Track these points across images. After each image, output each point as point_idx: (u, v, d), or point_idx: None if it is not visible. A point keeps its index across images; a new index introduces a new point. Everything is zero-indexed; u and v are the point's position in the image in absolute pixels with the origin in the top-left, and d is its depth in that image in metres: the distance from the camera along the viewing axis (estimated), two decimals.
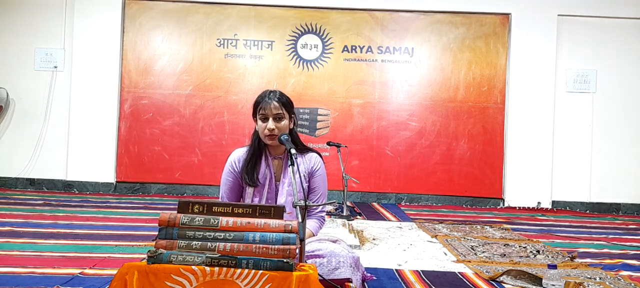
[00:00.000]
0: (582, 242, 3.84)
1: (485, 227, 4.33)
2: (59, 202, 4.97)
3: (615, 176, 6.06)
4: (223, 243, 1.46)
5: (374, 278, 2.45)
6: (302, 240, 1.55)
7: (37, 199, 5.10)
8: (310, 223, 2.13)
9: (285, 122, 2.07)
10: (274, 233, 1.48)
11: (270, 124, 2.05)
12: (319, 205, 2.07)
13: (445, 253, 3.18)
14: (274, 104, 2.05)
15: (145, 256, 1.47)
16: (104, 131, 6.00)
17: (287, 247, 1.45)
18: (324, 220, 2.23)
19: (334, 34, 6.11)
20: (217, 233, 1.48)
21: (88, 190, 5.95)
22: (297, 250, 1.49)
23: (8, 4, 6.11)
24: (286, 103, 2.09)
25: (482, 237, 3.76)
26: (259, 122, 2.09)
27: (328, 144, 5.13)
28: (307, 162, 2.16)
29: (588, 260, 3.11)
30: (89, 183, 5.98)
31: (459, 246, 3.39)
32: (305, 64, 6.11)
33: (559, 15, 6.05)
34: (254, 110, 2.12)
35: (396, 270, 2.69)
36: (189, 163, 6.07)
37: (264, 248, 1.45)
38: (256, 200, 2.11)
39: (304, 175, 2.12)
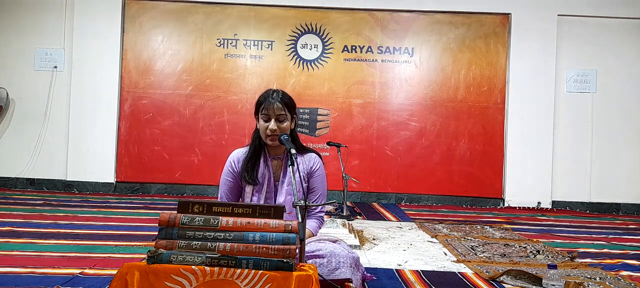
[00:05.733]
0: (582, 242, 3.84)
1: (485, 227, 4.33)
2: (59, 202, 4.97)
3: (615, 176, 6.06)
4: (223, 243, 1.46)
5: (374, 278, 2.45)
6: (302, 240, 1.55)
7: (37, 199, 5.10)
8: (310, 223, 2.13)
9: (287, 124, 2.08)
10: (274, 233, 1.48)
11: (273, 124, 2.05)
12: (319, 205, 2.07)
13: (445, 253, 3.18)
14: (277, 105, 2.04)
15: (145, 256, 1.47)
16: (104, 131, 6.00)
17: (287, 247, 1.45)
18: (324, 220, 2.23)
19: (334, 34, 6.11)
20: (217, 233, 1.48)
21: (88, 190, 5.95)
22: (297, 250, 1.49)
23: (8, 4, 6.11)
24: (289, 104, 2.09)
25: (482, 237, 3.76)
26: (261, 122, 2.09)
27: (328, 143, 5.13)
28: (307, 162, 2.17)
29: (588, 260, 3.11)
30: (89, 184, 5.98)
31: (459, 246, 3.39)
32: (305, 64, 6.11)
33: (559, 15, 6.05)
34: (256, 109, 2.11)
35: (396, 270, 2.69)
36: (189, 163, 6.07)
37: (264, 248, 1.45)
38: (255, 200, 2.11)
39: (303, 176, 2.12)
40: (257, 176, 2.12)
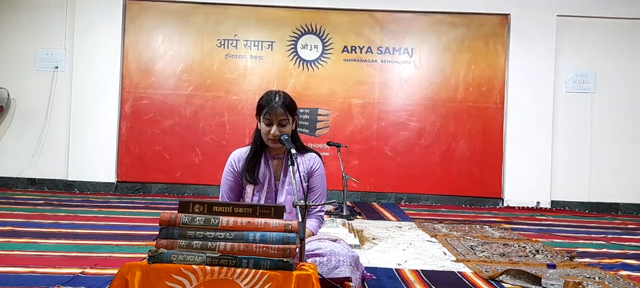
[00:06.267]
0: (581, 241, 3.85)
1: (485, 226, 4.34)
2: (60, 202, 4.98)
3: (614, 176, 6.06)
4: (223, 243, 1.47)
5: (374, 277, 2.46)
6: (302, 240, 1.56)
7: (38, 199, 5.11)
8: (310, 223, 2.14)
9: (288, 127, 2.08)
10: (274, 233, 1.48)
11: (275, 130, 2.05)
12: (319, 205, 2.08)
13: (445, 253, 3.19)
14: (280, 110, 2.04)
15: (146, 256, 1.48)
16: (104, 131, 6.01)
17: (287, 246, 1.46)
18: (323, 219, 2.24)
19: (334, 35, 6.12)
20: (217, 233, 1.48)
21: (89, 190, 5.96)
22: (297, 250, 1.51)
23: (9, 4, 6.12)
24: (290, 107, 2.08)
25: (481, 237, 3.77)
26: (263, 125, 2.09)
27: (328, 143, 5.15)
28: (306, 162, 2.18)
29: (587, 259, 3.12)
30: (90, 183, 5.99)
31: (458, 245, 3.40)
32: (305, 64, 6.12)
33: (558, 15, 6.06)
34: (258, 111, 2.11)
35: (396, 269, 2.70)
36: (190, 163, 6.08)
37: (264, 248, 1.46)
38: (256, 200, 2.12)
39: (303, 175, 2.13)
40: (258, 176, 2.13)
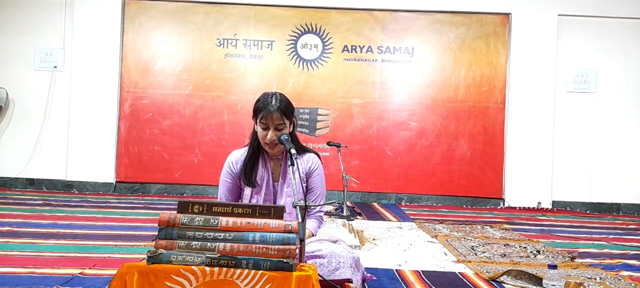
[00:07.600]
0: (582, 242, 3.84)
1: (486, 227, 4.33)
2: (58, 202, 4.97)
3: (615, 176, 6.05)
4: (223, 244, 1.46)
5: (374, 278, 2.45)
6: (302, 240, 1.55)
7: (37, 199, 5.09)
8: (309, 223, 2.13)
9: (285, 130, 2.05)
10: (274, 234, 1.47)
11: (271, 135, 2.02)
12: (318, 205, 2.07)
13: (446, 254, 3.17)
14: (276, 114, 1.99)
15: (145, 256, 1.46)
16: (103, 131, 6.00)
17: (287, 247, 1.45)
18: (323, 219, 2.23)
19: (334, 34, 6.11)
20: (217, 234, 1.47)
21: (88, 190, 5.94)
22: (297, 251, 1.49)
23: (8, 4, 6.10)
24: (287, 111, 2.04)
25: (482, 237, 3.76)
26: (259, 129, 2.06)
27: (328, 144, 5.13)
28: (305, 162, 2.16)
29: (588, 260, 3.11)
30: (89, 183, 5.98)
31: (459, 246, 3.38)
32: (305, 63, 6.11)
33: (559, 15, 6.05)
34: (255, 115, 2.08)
35: (396, 270, 2.69)
36: (189, 163, 6.06)
37: (264, 249, 1.44)
38: (254, 201, 2.11)
39: (301, 176, 2.11)
40: (256, 179, 2.11)
